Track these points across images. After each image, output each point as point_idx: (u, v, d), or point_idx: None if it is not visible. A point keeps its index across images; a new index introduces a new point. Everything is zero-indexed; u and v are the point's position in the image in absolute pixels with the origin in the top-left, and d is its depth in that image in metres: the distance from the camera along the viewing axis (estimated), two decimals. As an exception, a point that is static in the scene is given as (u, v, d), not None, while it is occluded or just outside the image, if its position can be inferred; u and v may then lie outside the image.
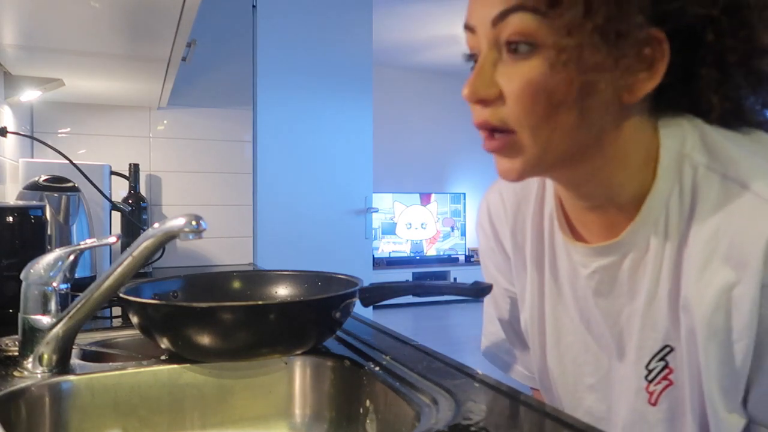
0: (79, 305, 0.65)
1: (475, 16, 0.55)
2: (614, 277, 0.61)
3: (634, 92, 0.54)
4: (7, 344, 0.71)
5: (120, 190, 1.73)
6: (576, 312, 0.67)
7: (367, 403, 0.67)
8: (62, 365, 0.67)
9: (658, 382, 0.59)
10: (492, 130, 0.56)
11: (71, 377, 0.65)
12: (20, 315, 0.67)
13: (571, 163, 0.57)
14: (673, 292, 0.57)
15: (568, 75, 0.51)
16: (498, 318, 0.82)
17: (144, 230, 1.01)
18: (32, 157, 1.66)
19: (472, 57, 0.58)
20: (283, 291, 0.88)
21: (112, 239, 0.72)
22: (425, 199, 6.01)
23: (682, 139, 0.57)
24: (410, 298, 0.80)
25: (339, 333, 0.83)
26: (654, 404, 0.59)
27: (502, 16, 0.52)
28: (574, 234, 0.66)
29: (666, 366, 0.58)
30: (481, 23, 0.54)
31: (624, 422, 0.62)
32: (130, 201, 1.70)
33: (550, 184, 0.70)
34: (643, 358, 0.60)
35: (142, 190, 1.79)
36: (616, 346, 0.63)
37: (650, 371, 0.59)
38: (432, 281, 0.84)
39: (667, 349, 0.58)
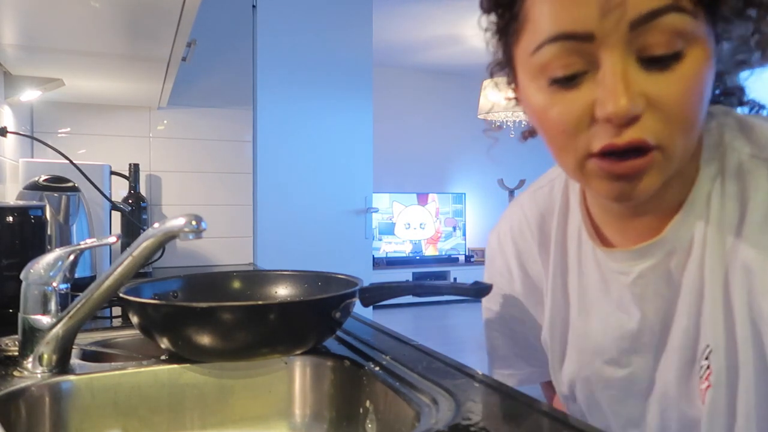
0: (79, 305, 0.65)
1: (594, 21, 0.47)
2: (662, 279, 0.58)
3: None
4: (7, 344, 0.71)
5: (120, 190, 1.73)
6: (605, 326, 0.64)
7: (367, 403, 0.67)
8: (62, 365, 0.67)
9: (702, 382, 0.56)
10: (632, 151, 0.49)
11: (71, 377, 0.65)
12: (20, 315, 0.67)
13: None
14: (724, 287, 0.54)
15: (710, 76, 0.49)
16: (498, 336, 0.80)
17: (144, 230, 1.01)
18: (32, 157, 1.66)
19: (570, 75, 0.49)
20: (283, 291, 0.88)
21: (112, 239, 0.72)
22: (423, 199, 6.01)
23: (720, 130, 0.57)
24: (410, 298, 0.80)
25: (339, 333, 0.83)
26: (703, 403, 0.56)
27: (652, 16, 0.46)
28: (606, 244, 0.63)
29: (708, 366, 0.55)
30: (608, 27, 0.47)
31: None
32: (130, 201, 1.70)
33: (574, 196, 0.68)
34: (691, 357, 0.56)
35: (142, 190, 1.79)
36: (653, 354, 0.60)
37: (701, 367, 0.56)
38: (432, 281, 0.84)
39: (708, 350, 0.55)
